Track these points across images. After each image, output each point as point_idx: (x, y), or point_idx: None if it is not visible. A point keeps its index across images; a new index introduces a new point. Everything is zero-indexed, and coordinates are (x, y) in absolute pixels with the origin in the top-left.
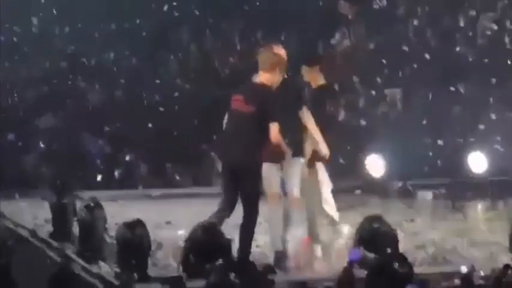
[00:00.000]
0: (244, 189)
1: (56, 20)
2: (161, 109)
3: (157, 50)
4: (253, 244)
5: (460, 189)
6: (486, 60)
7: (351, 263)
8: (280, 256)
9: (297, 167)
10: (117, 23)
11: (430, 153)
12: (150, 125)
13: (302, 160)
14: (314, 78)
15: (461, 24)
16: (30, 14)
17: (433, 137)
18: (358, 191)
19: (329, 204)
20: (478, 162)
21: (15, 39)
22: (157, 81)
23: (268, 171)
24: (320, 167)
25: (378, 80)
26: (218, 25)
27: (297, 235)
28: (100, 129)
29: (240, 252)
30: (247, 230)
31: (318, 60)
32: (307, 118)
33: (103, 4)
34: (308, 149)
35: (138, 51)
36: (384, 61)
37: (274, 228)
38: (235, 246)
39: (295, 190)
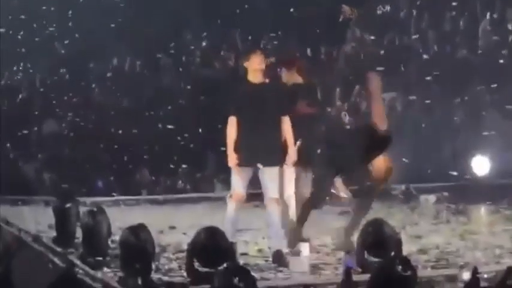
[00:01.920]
0: None
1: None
2: (165, 114)
3: (160, 53)
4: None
5: (464, 192)
6: (489, 63)
7: (347, 270)
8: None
9: (273, 171)
10: (118, 24)
11: (433, 157)
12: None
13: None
14: (292, 79)
15: (462, 27)
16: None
17: (435, 140)
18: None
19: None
20: (481, 165)
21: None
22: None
23: (239, 173)
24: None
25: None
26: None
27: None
28: (104, 134)
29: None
30: None
31: (295, 63)
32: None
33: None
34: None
35: (140, 55)
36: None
37: (227, 224)
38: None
39: (271, 192)
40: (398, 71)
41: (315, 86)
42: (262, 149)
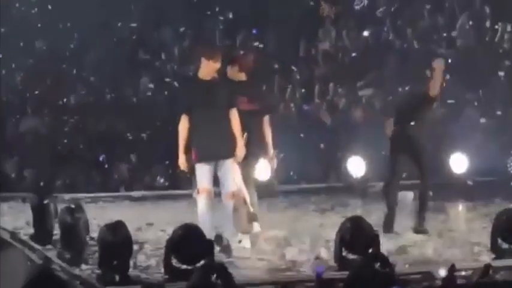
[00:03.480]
0: None
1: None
2: (143, 110)
3: (143, 50)
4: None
5: (442, 190)
6: (466, 60)
7: (318, 277)
8: (218, 239)
9: (228, 164)
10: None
11: None
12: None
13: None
14: (235, 76)
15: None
16: None
17: None
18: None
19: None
20: (459, 163)
21: None
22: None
23: (201, 169)
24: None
25: (357, 81)
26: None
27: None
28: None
29: None
30: None
31: (236, 60)
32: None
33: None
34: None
35: (124, 52)
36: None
37: (202, 220)
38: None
39: (228, 185)
40: (378, 67)
41: (257, 83)
42: (217, 143)
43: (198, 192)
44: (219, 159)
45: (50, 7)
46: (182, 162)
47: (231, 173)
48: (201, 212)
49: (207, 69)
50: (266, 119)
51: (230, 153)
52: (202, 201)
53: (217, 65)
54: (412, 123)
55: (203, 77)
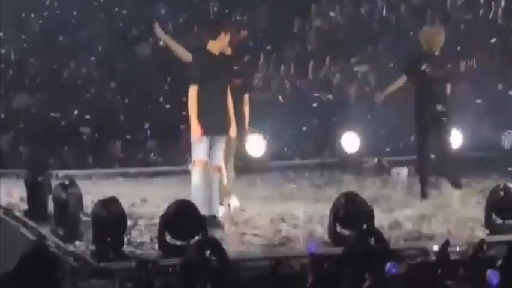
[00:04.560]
0: None
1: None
2: (137, 87)
3: (132, 29)
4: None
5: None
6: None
7: (311, 256)
8: (212, 220)
9: (223, 140)
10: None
11: (405, 130)
12: (125, 102)
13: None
14: (223, 50)
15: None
16: None
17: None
18: None
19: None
20: (453, 139)
21: None
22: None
23: (200, 141)
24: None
25: (351, 57)
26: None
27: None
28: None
29: None
30: None
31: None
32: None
33: None
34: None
35: (113, 30)
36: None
37: (195, 193)
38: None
39: (217, 159)
40: (373, 44)
41: (242, 58)
42: (219, 118)
43: (194, 164)
44: (218, 135)
45: None
46: (198, 130)
47: (222, 148)
48: (195, 184)
49: (215, 45)
50: (246, 96)
51: (227, 129)
52: (197, 174)
53: (223, 41)
54: None
55: (212, 51)
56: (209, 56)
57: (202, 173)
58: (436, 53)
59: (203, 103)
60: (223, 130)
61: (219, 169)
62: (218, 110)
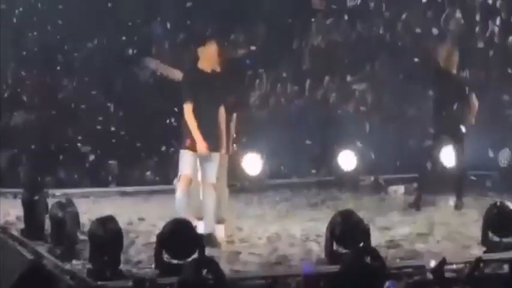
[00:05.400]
0: None
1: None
2: (134, 106)
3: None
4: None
5: (432, 183)
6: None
7: (306, 276)
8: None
9: (215, 157)
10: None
11: (402, 148)
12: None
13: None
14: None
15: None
16: None
17: (404, 132)
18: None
19: None
20: (449, 156)
21: None
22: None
23: (186, 156)
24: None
25: (348, 75)
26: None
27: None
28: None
29: None
30: None
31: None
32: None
33: None
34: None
35: (111, 50)
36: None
37: (178, 206)
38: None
39: (210, 177)
40: (370, 62)
41: (234, 75)
42: (210, 135)
43: (179, 180)
44: (210, 151)
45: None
46: (204, 146)
47: (215, 165)
48: (178, 198)
49: (205, 60)
50: (234, 116)
51: (219, 146)
52: (180, 188)
53: (214, 54)
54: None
55: (203, 68)
56: (199, 74)
57: (186, 187)
58: (454, 71)
59: (196, 120)
60: (216, 147)
61: (213, 186)
62: (210, 127)
